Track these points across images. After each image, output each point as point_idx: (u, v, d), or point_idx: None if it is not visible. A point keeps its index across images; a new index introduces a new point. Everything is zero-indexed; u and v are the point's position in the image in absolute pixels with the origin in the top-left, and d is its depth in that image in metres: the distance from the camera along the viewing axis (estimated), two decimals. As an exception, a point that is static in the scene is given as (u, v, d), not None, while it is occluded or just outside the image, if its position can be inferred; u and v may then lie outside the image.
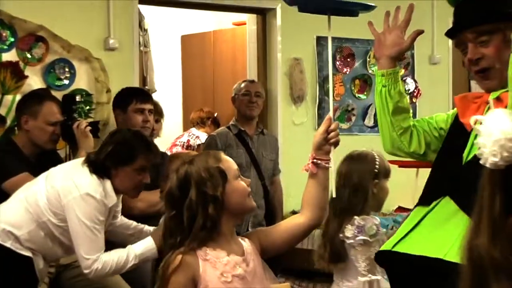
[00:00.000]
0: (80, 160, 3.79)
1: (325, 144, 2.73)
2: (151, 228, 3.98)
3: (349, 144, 6.72)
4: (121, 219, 4.03)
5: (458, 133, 2.79)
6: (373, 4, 2.81)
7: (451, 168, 2.76)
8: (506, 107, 2.50)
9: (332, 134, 2.72)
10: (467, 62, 2.71)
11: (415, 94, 7.13)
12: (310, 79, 6.67)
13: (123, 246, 3.70)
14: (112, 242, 3.84)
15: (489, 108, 2.68)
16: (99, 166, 3.67)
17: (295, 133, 6.52)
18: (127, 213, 4.13)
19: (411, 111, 2.98)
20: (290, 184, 6.05)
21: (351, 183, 3.62)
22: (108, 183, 3.67)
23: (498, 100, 2.56)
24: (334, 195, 2.74)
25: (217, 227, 2.58)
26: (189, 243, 2.55)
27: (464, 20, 2.71)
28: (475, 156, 2.63)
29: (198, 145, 6.05)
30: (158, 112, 5.35)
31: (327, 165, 2.74)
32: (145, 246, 3.64)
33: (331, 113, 2.79)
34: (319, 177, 2.73)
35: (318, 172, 2.73)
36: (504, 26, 2.65)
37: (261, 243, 2.73)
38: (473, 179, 2.60)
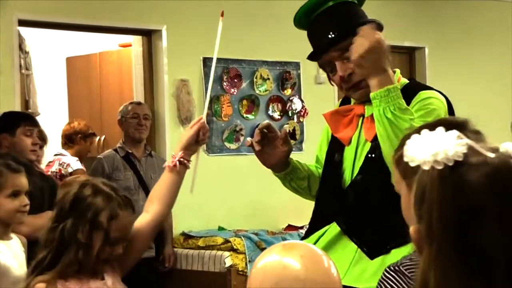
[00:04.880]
0: None
1: (195, 144, 2.79)
2: None
3: (238, 163, 6.79)
4: None
5: (336, 148, 2.81)
6: None
7: (333, 190, 2.78)
8: None
9: (203, 137, 2.79)
10: (339, 80, 2.72)
11: (302, 113, 7.22)
12: (197, 100, 6.66)
13: None
14: None
15: (363, 123, 2.72)
16: None
17: (183, 155, 6.48)
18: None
19: (308, 179, 2.93)
20: (180, 206, 6.00)
21: None
22: None
23: (373, 119, 2.59)
24: (192, 191, 2.76)
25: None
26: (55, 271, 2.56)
27: (325, 40, 2.71)
28: (356, 178, 2.69)
29: (70, 172, 5.91)
30: (42, 138, 5.23)
31: (188, 164, 2.79)
32: None
33: (204, 115, 2.83)
34: (179, 175, 2.78)
35: (180, 171, 2.77)
36: None
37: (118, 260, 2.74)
38: (354, 202, 2.66)
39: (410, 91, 2.64)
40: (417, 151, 1.35)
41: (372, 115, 2.58)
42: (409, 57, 8.15)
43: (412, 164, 1.35)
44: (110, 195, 2.64)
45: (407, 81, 2.76)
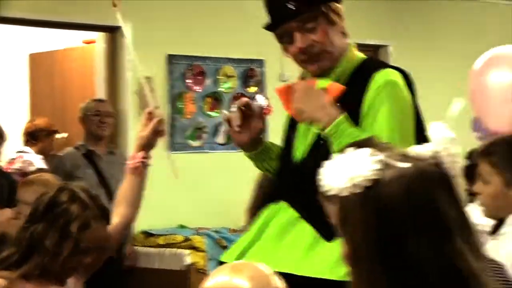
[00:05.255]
0: None
1: (154, 139, 2.81)
2: None
3: (201, 161, 6.76)
4: None
5: (291, 126, 2.79)
6: None
7: (285, 169, 2.74)
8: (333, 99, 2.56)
9: (161, 129, 2.81)
10: (296, 51, 2.66)
11: (265, 111, 7.21)
12: (161, 97, 6.62)
13: None
14: None
15: None
16: None
17: (146, 152, 6.43)
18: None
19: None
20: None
21: None
22: None
23: (325, 91, 2.58)
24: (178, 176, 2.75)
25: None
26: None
27: (284, 11, 2.63)
28: (305, 156, 2.67)
29: (33, 171, 5.84)
30: None
31: (149, 162, 2.81)
32: None
33: (152, 107, 2.83)
34: (141, 176, 2.79)
35: (141, 171, 2.79)
36: (325, 9, 2.63)
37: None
38: (305, 181, 2.60)
39: (365, 71, 2.62)
40: (332, 179, 1.33)
41: (323, 90, 2.59)
42: (373, 55, 8.17)
43: (330, 193, 1.33)
44: (87, 203, 2.58)
45: (364, 57, 2.73)
